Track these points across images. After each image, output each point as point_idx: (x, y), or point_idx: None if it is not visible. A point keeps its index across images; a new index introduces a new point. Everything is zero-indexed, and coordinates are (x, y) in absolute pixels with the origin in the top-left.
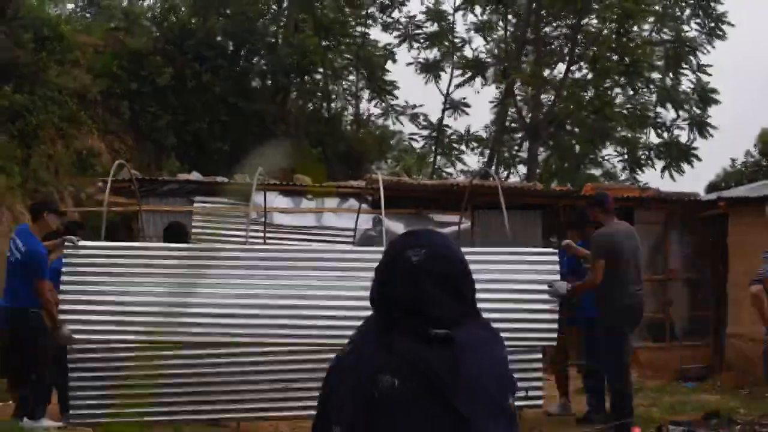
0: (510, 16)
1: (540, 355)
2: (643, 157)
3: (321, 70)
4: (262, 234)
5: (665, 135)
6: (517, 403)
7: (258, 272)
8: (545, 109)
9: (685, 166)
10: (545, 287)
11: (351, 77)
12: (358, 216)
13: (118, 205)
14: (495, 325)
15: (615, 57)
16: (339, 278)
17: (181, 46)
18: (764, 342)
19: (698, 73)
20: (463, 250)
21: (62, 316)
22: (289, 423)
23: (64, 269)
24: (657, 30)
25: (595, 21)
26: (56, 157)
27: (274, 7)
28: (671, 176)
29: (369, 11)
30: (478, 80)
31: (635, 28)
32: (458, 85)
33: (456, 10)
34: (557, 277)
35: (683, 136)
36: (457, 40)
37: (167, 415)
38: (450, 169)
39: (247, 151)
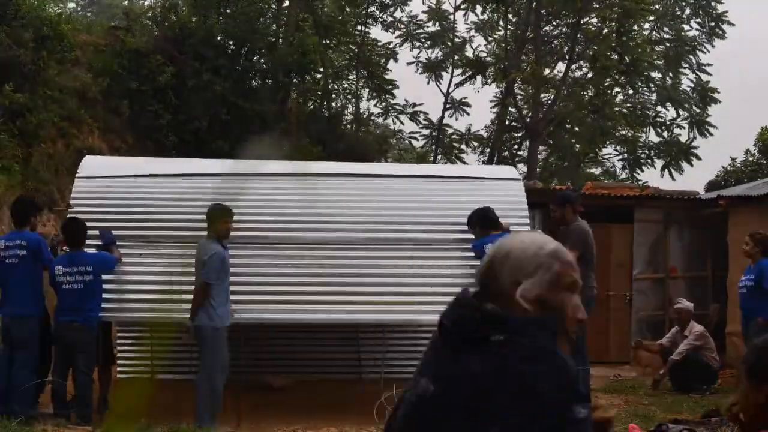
0: (510, 15)
1: None
2: (642, 156)
3: (321, 69)
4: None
5: (665, 134)
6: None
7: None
8: (545, 108)
9: (685, 166)
10: None
11: (351, 77)
12: None
13: None
14: None
15: (615, 56)
16: None
17: (182, 45)
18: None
19: (698, 72)
20: None
21: None
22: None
23: None
24: (657, 29)
25: (595, 20)
26: (57, 156)
27: (274, 6)
28: (671, 175)
29: (369, 10)
30: (479, 79)
31: (635, 27)
32: (458, 84)
33: (456, 9)
34: None
35: (683, 136)
36: (457, 40)
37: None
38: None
39: (248, 150)
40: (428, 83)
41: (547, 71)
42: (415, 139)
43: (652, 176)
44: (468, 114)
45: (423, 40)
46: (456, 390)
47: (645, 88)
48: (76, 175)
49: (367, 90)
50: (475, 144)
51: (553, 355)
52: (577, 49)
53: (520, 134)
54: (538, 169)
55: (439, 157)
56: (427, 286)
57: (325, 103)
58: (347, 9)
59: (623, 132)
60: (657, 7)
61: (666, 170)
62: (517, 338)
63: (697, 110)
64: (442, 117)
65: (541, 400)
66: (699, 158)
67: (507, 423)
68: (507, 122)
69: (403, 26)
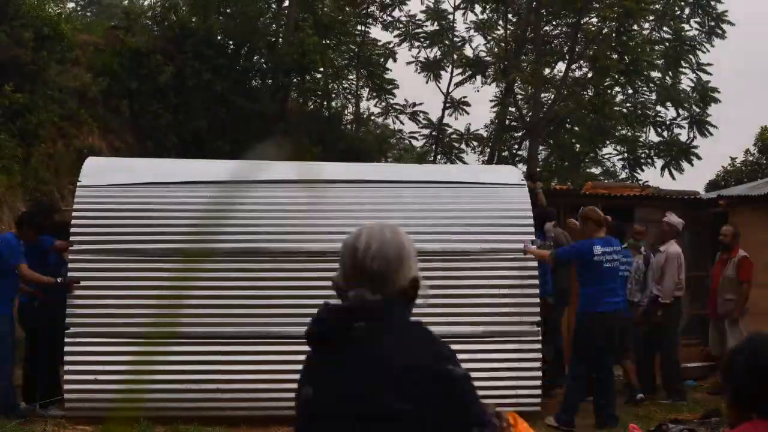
0: (510, 15)
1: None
2: (642, 155)
3: (321, 69)
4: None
5: (665, 134)
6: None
7: None
8: (545, 108)
9: (685, 166)
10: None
11: (351, 76)
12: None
13: None
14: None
15: (615, 56)
16: None
17: (182, 45)
18: None
19: (698, 72)
20: None
21: None
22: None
23: None
24: (657, 29)
25: (595, 20)
26: (56, 155)
27: (274, 5)
28: (671, 175)
29: (369, 10)
30: (478, 79)
31: (635, 27)
32: (458, 84)
33: (456, 8)
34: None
35: (683, 135)
36: (457, 39)
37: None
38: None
39: (248, 150)
40: (427, 83)
41: (547, 71)
42: (415, 138)
43: (653, 176)
44: (468, 113)
45: (422, 39)
46: (332, 387)
47: (645, 88)
48: (78, 183)
49: (367, 90)
50: (475, 143)
51: (417, 329)
52: (577, 49)
53: (520, 134)
54: (538, 169)
55: (438, 156)
56: (448, 297)
57: (325, 102)
58: (347, 9)
59: (623, 131)
60: (657, 6)
61: (666, 170)
62: (378, 322)
63: (697, 110)
64: (442, 117)
65: (419, 372)
66: (699, 158)
67: (394, 406)
68: (507, 122)
69: (401, 26)
